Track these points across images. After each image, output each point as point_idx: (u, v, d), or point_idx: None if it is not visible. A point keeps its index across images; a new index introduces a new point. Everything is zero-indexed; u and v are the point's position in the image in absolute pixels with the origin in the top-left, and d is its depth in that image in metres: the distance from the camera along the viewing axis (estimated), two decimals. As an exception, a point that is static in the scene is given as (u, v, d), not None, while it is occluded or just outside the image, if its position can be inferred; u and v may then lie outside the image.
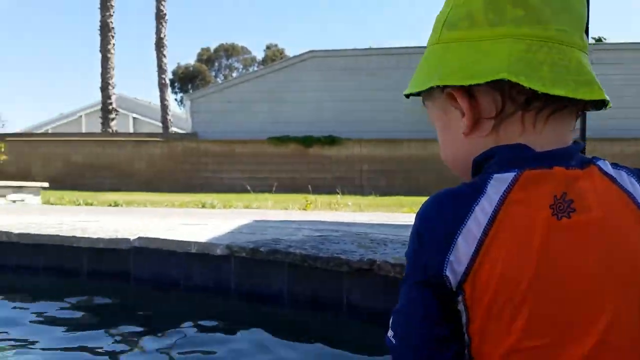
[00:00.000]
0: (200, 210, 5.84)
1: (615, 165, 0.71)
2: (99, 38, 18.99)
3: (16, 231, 2.81)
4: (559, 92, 0.68)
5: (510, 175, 0.67)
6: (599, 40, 27.93)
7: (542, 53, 0.70)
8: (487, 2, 0.73)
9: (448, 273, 0.64)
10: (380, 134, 15.49)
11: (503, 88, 0.70)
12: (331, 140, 15.60)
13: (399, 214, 6.03)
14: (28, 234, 2.78)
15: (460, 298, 0.64)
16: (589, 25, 5.02)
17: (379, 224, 3.80)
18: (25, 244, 2.76)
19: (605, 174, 0.68)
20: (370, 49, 18.44)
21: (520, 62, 0.69)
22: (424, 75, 0.79)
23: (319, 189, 10.84)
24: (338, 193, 9.92)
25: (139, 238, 2.54)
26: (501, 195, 0.66)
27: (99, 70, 18.93)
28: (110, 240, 2.57)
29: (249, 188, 11.96)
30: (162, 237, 2.50)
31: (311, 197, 8.11)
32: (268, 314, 2.11)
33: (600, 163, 0.70)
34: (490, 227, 0.64)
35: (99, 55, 19.00)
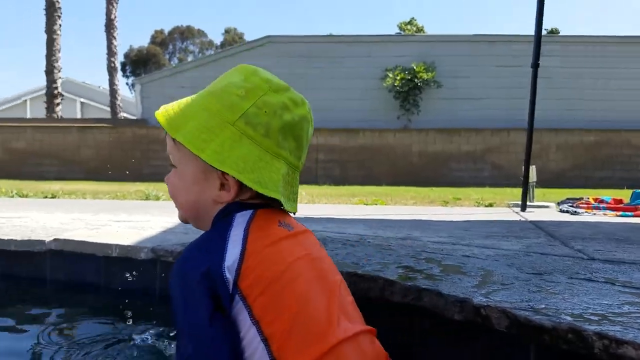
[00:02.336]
0: (142, 203, 5.57)
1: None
2: (44, 18, 18.03)
3: None
4: (291, 209, 1.10)
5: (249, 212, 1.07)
6: (552, 32, 28.73)
7: (291, 177, 1.09)
8: (280, 127, 1.05)
9: None
10: (336, 123, 15.39)
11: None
12: (286, 129, 15.39)
13: (351, 205, 5.94)
14: None
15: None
16: (543, 17, 4.97)
17: (330, 218, 3.68)
18: None
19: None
20: (330, 35, 18.26)
21: (285, 184, 1.07)
22: (201, 136, 1.03)
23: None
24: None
25: (55, 240, 2.32)
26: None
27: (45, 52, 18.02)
28: (23, 242, 2.34)
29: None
30: (79, 239, 2.29)
31: (262, 188, 7.91)
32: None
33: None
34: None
35: (44, 37, 18.06)
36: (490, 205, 6.38)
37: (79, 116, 28.17)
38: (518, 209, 5.11)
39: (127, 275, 2.13)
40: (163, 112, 1.08)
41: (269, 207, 1.08)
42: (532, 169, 5.83)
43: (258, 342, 0.92)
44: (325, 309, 0.97)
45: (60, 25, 18.07)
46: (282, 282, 0.96)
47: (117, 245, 2.19)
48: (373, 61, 16.08)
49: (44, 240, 2.32)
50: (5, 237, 2.38)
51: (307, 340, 0.93)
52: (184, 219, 1.17)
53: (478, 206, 6.25)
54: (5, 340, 1.75)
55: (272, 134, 1.03)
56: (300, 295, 0.96)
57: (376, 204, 6.24)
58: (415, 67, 15.79)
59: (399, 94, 15.87)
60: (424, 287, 1.48)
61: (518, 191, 8.65)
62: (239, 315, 0.93)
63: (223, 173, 1.04)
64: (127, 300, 1.93)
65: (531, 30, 4.97)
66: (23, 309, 2.08)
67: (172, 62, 42.79)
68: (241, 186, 1.05)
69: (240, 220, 1.03)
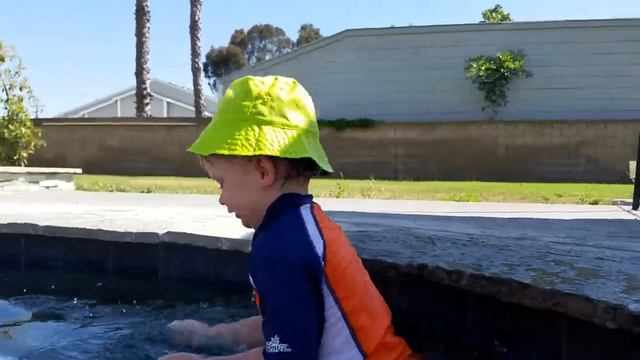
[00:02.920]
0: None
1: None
2: (134, 22, 19.02)
3: (43, 223, 2.71)
4: (326, 167, 1.32)
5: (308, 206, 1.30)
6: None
7: (313, 141, 1.31)
8: (286, 105, 1.27)
9: None
10: (417, 116, 15.07)
11: (295, 160, 1.24)
12: (364, 124, 15.26)
13: (438, 202, 5.76)
14: (55, 226, 2.67)
15: None
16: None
17: (419, 215, 3.56)
18: (52, 237, 2.65)
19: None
20: (410, 27, 17.93)
21: (312, 148, 1.27)
22: (228, 140, 1.22)
23: (350, 174, 10.57)
24: (370, 178, 9.66)
25: (168, 233, 2.39)
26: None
27: (134, 55, 19.02)
28: (139, 235, 2.43)
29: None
30: (190, 232, 2.34)
31: (344, 183, 7.89)
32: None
33: None
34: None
35: (134, 40, 19.06)
36: (595, 202, 5.95)
37: (165, 115, 29.56)
38: (628, 207, 4.71)
39: (236, 268, 2.15)
40: (192, 146, 1.27)
41: (309, 197, 1.35)
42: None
43: (339, 317, 1.20)
44: (375, 295, 1.36)
45: (148, 28, 19.01)
46: (351, 269, 1.26)
47: (226, 239, 2.22)
48: (456, 51, 15.56)
49: (158, 233, 2.39)
50: (121, 230, 2.48)
51: (374, 317, 1.27)
52: (247, 224, 1.38)
53: (581, 203, 5.85)
54: (128, 328, 1.80)
55: (282, 113, 1.25)
56: (362, 280, 1.32)
57: (467, 201, 6.00)
58: (501, 57, 15.11)
59: (484, 84, 15.26)
60: (566, 291, 1.35)
61: (617, 187, 8.06)
62: (326, 297, 1.19)
63: (258, 161, 1.25)
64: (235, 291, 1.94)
65: (632, 14, 4.56)
66: (141, 300, 2.14)
67: (250, 62, 43.88)
68: (276, 167, 1.26)
69: (305, 212, 1.28)
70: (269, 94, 1.26)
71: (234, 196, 1.32)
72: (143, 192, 6.96)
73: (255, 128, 1.23)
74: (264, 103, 1.25)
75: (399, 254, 1.78)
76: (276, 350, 1.13)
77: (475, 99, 15.42)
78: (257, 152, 1.21)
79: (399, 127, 15.01)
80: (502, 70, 15.10)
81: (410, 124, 14.94)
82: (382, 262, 1.69)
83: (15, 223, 2.77)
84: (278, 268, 1.17)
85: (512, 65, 15.06)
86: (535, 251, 1.95)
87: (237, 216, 1.37)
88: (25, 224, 2.75)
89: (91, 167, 14.05)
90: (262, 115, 1.24)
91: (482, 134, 14.69)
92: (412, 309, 1.67)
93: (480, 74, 15.16)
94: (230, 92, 1.30)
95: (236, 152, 1.21)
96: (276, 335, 1.14)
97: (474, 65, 15.23)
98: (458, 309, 1.58)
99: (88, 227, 2.57)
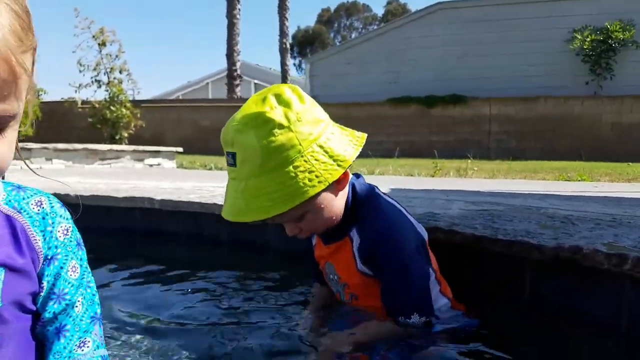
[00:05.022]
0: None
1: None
2: (225, 4, 19.38)
3: (158, 197, 2.79)
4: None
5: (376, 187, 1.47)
6: None
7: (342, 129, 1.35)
8: (316, 111, 1.26)
9: None
10: (515, 91, 14.24)
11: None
12: (456, 99, 14.64)
13: (548, 181, 5.39)
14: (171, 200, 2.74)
15: None
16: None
17: (539, 194, 3.31)
18: (168, 211, 2.73)
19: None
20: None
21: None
22: (306, 179, 1.18)
23: (441, 153, 10.21)
24: (469, 157, 9.27)
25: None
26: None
27: (224, 38, 19.48)
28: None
29: (369, 153, 11.66)
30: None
31: (439, 162, 7.63)
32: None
33: None
34: None
35: (224, 23, 19.48)
36: None
37: (253, 96, 30.19)
38: None
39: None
40: (271, 209, 1.18)
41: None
42: None
43: (435, 284, 1.39)
44: None
45: (239, 9, 19.34)
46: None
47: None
48: (557, 21, 14.44)
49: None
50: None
51: (447, 285, 1.47)
52: (315, 233, 1.44)
53: None
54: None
55: (317, 119, 1.23)
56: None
57: (581, 180, 5.57)
58: (609, 26, 13.87)
59: (589, 57, 14.10)
60: None
61: None
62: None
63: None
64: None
65: None
66: (257, 272, 2.14)
67: (335, 40, 43.72)
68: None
69: (384, 195, 1.43)
70: (297, 111, 1.20)
71: (318, 220, 1.31)
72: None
73: (316, 147, 1.19)
74: (299, 124, 1.19)
75: (541, 235, 1.62)
76: (417, 323, 1.31)
77: (578, 72, 14.29)
78: (344, 165, 1.22)
79: (494, 103, 14.28)
80: (609, 41, 13.86)
81: (506, 99, 14.16)
82: (523, 243, 1.54)
83: (133, 197, 2.89)
84: (402, 253, 1.32)
85: (621, 36, 13.78)
86: (700, 235, 1.70)
87: (305, 236, 1.39)
88: (142, 198, 2.85)
89: (186, 147, 14.64)
90: (304, 135, 1.19)
91: (584, 111, 13.62)
92: (560, 293, 1.51)
93: (585, 46, 14.00)
94: (253, 141, 1.17)
95: (330, 179, 1.19)
96: (415, 313, 1.31)
97: (579, 37, 14.10)
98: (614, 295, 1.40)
99: (203, 201, 2.62)
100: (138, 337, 1.45)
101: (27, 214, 0.77)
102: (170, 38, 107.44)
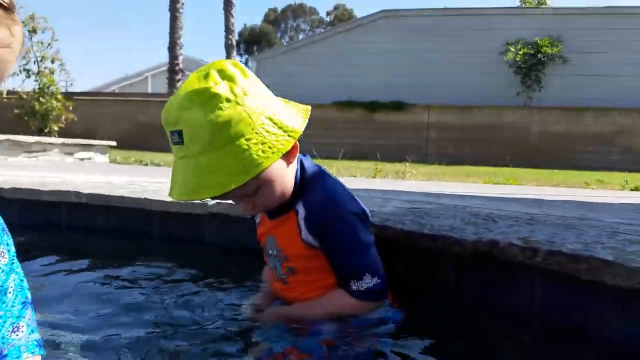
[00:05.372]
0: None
1: None
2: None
3: (85, 191, 2.70)
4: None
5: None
6: None
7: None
8: (253, 82, 1.24)
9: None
10: (451, 99, 14.76)
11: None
12: (398, 106, 15.02)
13: (479, 184, 5.63)
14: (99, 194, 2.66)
15: None
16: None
17: (466, 195, 3.46)
18: (94, 205, 2.64)
19: None
20: (447, 9, 17.51)
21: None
22: (260, 152, 1.17)
23: (382, 157, 10.45)
24: (407, 160, 9.52)
25: (218, 204, 2.35)
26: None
27: (167, 30, 18.98)
28: (186, 205, 2.40)
29: (315, 154, 11.71)
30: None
31: (380, 165, 7.81)
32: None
33: None
34: None
35: (167, 16, 18.98)
36: (637, 188, 5.75)
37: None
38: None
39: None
40: (228, 183, 1.16)
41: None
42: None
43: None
44: None
45: (182, 3, 18.91)
46: None
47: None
48: (493, 35, 15.14)
49: (207, 204, 2.37)
50: (168, 200, 2.44)
51: None
52: (267, 209, 1.42)
53: (622, 190, 5.65)
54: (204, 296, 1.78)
55: (262, 93, 1.25)
56: None
57: (507, 184, 5.85)
58: (539, 42, 14.66)
59: (520, 69, 14.85)
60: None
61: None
62: None
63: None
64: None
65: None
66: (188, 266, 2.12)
67: (282, 41, 43.69)
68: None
69: (328, 172, 1.49)
70: (241, 90, 1.19)
71: (272, 193, 1.31)
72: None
73: (265, 120, 1.20)
74: (245, 95, 1.18)
75: (463, 230, 1.70)
76: (371, 284, 1.36)
77: (510, 83, 15.03)
78: (294, 135, 1.23)
79: (433, 110, 14.74)
80: (539, 55, 14.66)
81: (444, 107, 14.65)
82: (447, 238, 1.61)
83: (59, 190, 2.78)
84: (349, 219, 1.37)
85: (550, 51, 14.61)
86: (603, 230, 1.84)
87: (259, 212, 1.44)
88: (68, 192, 2.75)
89: (120, 143, 14.19)
90: (256, 106, 1.20)
91: (516, 120, 14.33)
92: (477, 286, 1.59)
93: (517, 59, 14.75)
94: (200, 117, 1.14)
95: (283, 150, 1.20)
96: (367, 273, 1.37)
97: (512, 49, 14.82)
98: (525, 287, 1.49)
99: (134, 196, 2.55)
100: (71, 336, 1.39)
101: None
102: (109, 29, 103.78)
